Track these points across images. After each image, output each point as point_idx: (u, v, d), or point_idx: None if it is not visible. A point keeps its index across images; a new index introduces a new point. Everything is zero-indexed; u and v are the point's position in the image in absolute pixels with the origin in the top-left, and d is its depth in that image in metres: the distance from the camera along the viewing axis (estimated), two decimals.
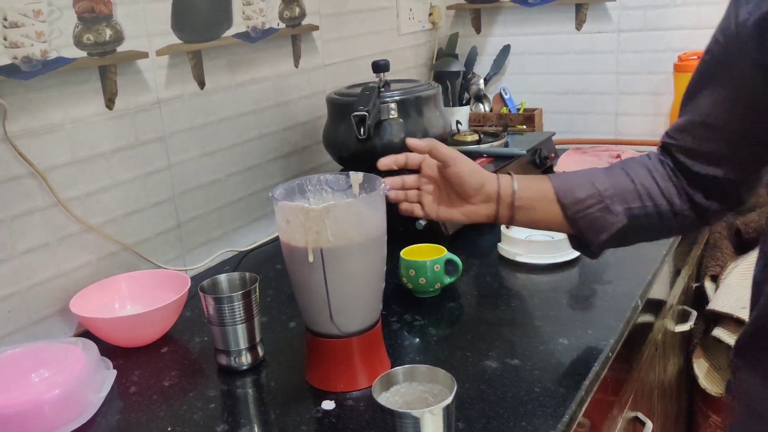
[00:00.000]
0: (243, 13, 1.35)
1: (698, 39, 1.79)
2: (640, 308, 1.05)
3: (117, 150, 1.14)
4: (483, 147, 1.65)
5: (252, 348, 0.94)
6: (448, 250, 1.12)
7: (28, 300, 1.04)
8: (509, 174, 0.93)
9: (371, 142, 1.29)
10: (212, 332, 0.94)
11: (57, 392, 0.83)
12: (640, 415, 1.22)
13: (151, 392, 0.92)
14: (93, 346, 0.93)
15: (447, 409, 0.66)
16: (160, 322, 1.03)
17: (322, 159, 1.57)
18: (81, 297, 1.06)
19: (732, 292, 1.55)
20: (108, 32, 1.10)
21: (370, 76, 1.39)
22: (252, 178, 1.42)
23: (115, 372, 0.95)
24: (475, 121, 1.98)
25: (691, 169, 0.86)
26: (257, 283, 0.94)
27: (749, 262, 1.61)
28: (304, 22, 1.51)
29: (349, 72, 1.66)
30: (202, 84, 1.29)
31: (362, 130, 1.24)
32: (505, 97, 2.05)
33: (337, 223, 0.79)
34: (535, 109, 2.01)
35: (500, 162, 1.54)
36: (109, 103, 1.12)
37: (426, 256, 1.09)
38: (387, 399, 0.70)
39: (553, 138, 1.78)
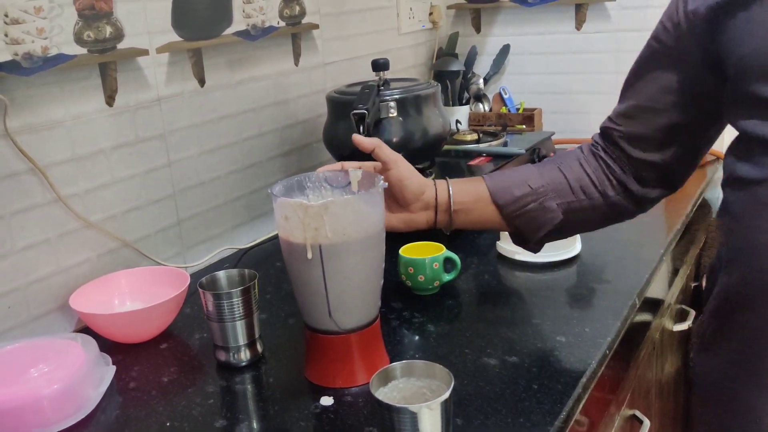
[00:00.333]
0: (243, 11, 1.35)
1: None
2: (637, 307, 1.06)
3: (117, 147, 1.15)
4: (482, 146, 1.65)
5: (251, 344, 0.95)
6: (447, 248, 1.12)
7: (28, 296, 1.04)
8: (444, 179, 0.94)
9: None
10: (211, 329, 0.94)
11: (56, 387, 0.84)
12: (638, 414, 1.22)
13: (150, 388, 0.92)
14: (92, 342, 0.94)
15: (445, 404, 0.66)
16: (159, 318, 1.04)
17: (322, 157, 1.58)
18: (81, 293, 1.06)
19: None
20: (108, 29, 1.11)
21: (370, 75, 1.39)
22: (252, 176, 1.42)
23: (114, 368, 0.95)
24: (475, 121, 1.99)
25: (631, 155, 0.88)
26: (256, 280, 0.94)
27: None
28: (304, 21, 1.51)
29: (348, 71, 1.66)
30: (202, 82, 1.29)
31: (362, 128, 1.24)
32: (505, 96, 2.06)
33: (335, 220, 0.80)
34: (534, 109, 2.01)
35: (499, 161, 1.55)
36: (110, 100, 1.13)
37: (425, 254, 1.09)
38: (385, 394, 0.70)
39: (553, 138, 1.79)
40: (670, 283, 1.42)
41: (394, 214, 0.93)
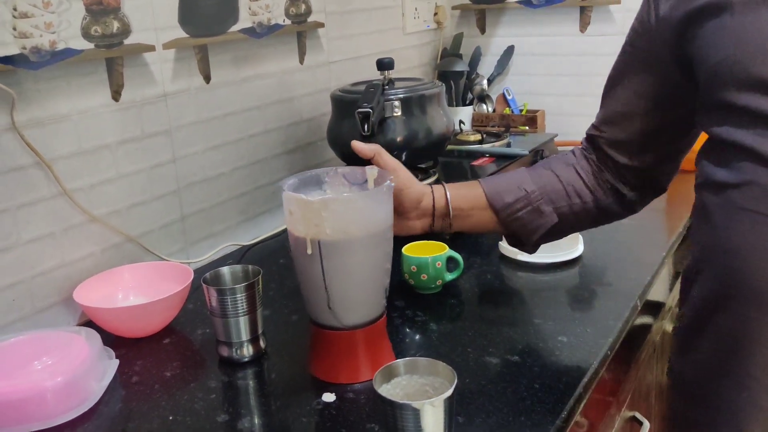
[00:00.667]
0: (249, 8, 1.36)
1: None
2: (639, 309, 1.06)
3: (123, 142, 1.15)
4: (485, 147, 1.65)
5: (254, 340, 0.95)
6: (450, 247, 1.12)
7: (33, 289, 1.04)
8: (441, 184, 0.95)
9: (375, 139, 1.29)
10: (214, 324, 0.95)
11: (59, 380, 0.84)
12: (638, 415, 1.23)
13: (153, 382, 0.92)
14: (96, 336, 0.94)
15: (447, 402, 0.66)
16: (162, 313, 1.04)
17: (326, 155, 1.58)
18: (85, 287, 1.07)
19: None
20: (115, 25, 1.11)
21: (375, 75, 1.40)
22: (256, 173, 1.43)
23: (117, 361, 0.95)
24: (478, 121, 1.99)
25: (616, 161, 0.90)
26: (260, 276, 0.94)
27: None
28: (309, 19, 1.52)
29: (353, 70, 1.67)
30: (207, 78, 1.29)
31: (366, 126, 1.25)
32: (508, 97, 2.06)
33: (335, 217, 0.79)
34: (537, 111, 2.01)
35: (502, 162, 1.55)
36: (116, 95, 1.13)
37: (428, 253, 1.10)
38: (388, 391, 0.70)
39: (556, 140, 1.79)
40: (671, 286, 1.43)
41: None
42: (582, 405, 0.84)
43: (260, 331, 0.96)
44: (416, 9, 1.92)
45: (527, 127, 1.95)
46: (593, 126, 0.93)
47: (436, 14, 2.02)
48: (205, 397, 0.88)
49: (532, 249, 0.98)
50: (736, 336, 0.71)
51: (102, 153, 1.12)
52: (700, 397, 0.78)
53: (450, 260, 1.11)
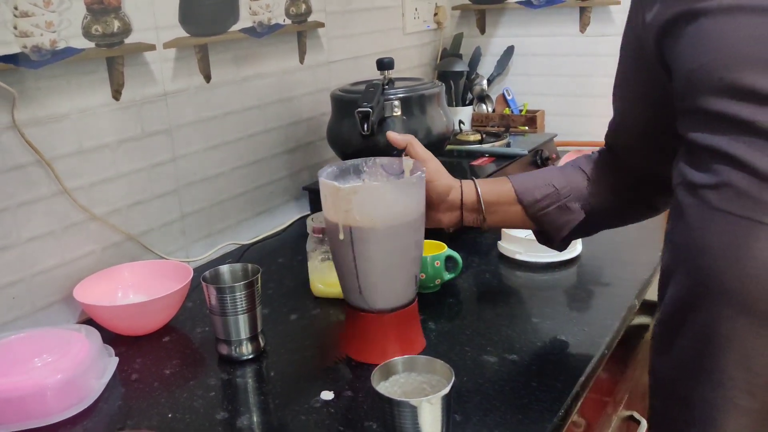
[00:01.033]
0: (249, 8, 1.36)
1: None
2: (636, 308, 1.06)
3: (123, 141, 1.15)
4: (485, 147, 1.66)
5: (253, 338, 0.95)
6: (449, 246, 1.13)
7: (33, 287, 1.05)
8: (472, 179, 0.97)
9: (374, 138, 1.29)
10: (214, 322, 0.95)
11: (59, 377, 0.85)
12: (636, 414, 1.23)
13: (152, 380, 0.93)
14: (96, 333, 0.94)
15: (445, 399, 0.67)
16: (162, 311, 1.04)
17: (326, 155, 1.58)
18: (84, 285, 1.07)
19: None
20: (116, 24, 1.11)
21: (375, 75, 1.40)
22: (256, 173, 1.43)
23: (117, 359, 0.96)
24: (478, 121, 2.00)
25: (632, 165, 0.92)
26: (259, 274, 0.95)
27: None
28: (309, 19, 1.52)
29: (353, 69, 1.67)
30: (208, 77, 1.30)
31: (366, 126, 1.25)
32: (508, 98, 2.06)
33: (364, 205, 0.83)
34: (537, 111, 2.02)
35: (502, 162, 1.55)
36: (116, 94, 1.13)
37: (426, 252, 1.10)
38: (386, 388, 0.71)
39: (555, 140, 1.79)
40: None
41: None
42: (579, 404, 0.85)
43: (259, 329, 0.96)
44: (416, 9, 1.93)
45: (527, 127, 1.96)
46: (608, 131, 0.95)
47: (436, 14, 2.02)
48: (205, 394, 0.88)
49: (560, 246, 1.00)
50: (709, 335, 0.72)
51: (102, 152, 1.13)
52: (677, 396, 0.79)
53: (449, 259, 1.12)
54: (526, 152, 1.60)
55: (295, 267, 1.26)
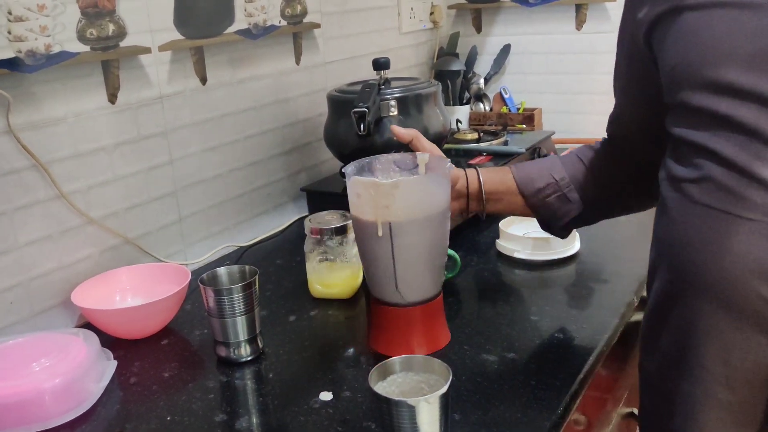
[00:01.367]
0: (245, 10, 1.36)
1: None
2: (635, 305, 1.06)
3: (119, 144, 1.15)
4: (483, 145, 1.66)
5: (252, 340, 0.95)
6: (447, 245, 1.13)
7: (31, 291, 1.05)
8: (474, 168, 1.00)
9: (371, 138, 1.29)
10: (212, 324, 0.95)
11: (58, 381, 0.84)
12: (635, 411, 1.23)
13: (151, 383, 0.93)
14: (94, 337, 0.94)
15: (443, 398, 0.67)
16: (160, 314, 1.04)
17: (323, 156, 1.58)
18: (83, 289, 1.07)
19: None
20: (111, 27, 1.11)
21: (371, 75, 1.40)
22: (253, 174, 1.43)
23: (115, 363, 0.96)
24: (475, 120, 1.99)
25: (632, 156, 0.94)
26: (257, 276, 0.95)
27: None
28: (305, 20, 1.52)
29: (349, 70, 1.67)
30: (204, 80, 1.30)
31: (362, 126, 1.25)
32: (505, 96, 2.06)
33: (404, 198, 0.84)
34: (534, 109, 2.02)
35: (499, 160, 1.55)
36: (112, 97, 1.13)
37: None
38: (384, 388, 0.71)
39: (553, 137, 1.79)
40: None
41: None
42: (578, 402, 0.85)
43: (258, 331, 0.96)
44: (412, 9, 1.92)
45: (524, 126, 1.95)
46: (609, 122, 0.97)
47: (432, 14, 2.02)
48: (203, 397, 0.88)
49: (561, 233, 1.02)
50: (690, 329, 0.73)
51: (98, 155, 1.12)
52: (661, 391, 0.80)
53: (447, 259, 1.11)
54: (523, 150, 1.60)
55: (294, 268, 1.26)
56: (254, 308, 0.95)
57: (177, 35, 1.23)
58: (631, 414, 1.22)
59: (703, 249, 0.70)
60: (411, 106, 1.35)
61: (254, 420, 0.83)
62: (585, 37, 1.97)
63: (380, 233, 0.86)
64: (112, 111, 1.14)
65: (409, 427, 0.66)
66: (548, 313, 1.03)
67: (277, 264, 1.29)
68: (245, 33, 1.37)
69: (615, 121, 0.95)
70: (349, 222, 1.07)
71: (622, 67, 0.88)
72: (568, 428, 0.96)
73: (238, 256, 1.35)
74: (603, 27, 1.94)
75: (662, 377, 0.79)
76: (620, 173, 0.96)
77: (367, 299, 1.12)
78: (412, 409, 0.65)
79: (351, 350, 0.97)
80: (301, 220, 1.48)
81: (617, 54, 0.89)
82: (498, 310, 1.06)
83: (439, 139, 1.41)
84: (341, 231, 1.09)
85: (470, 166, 1.48)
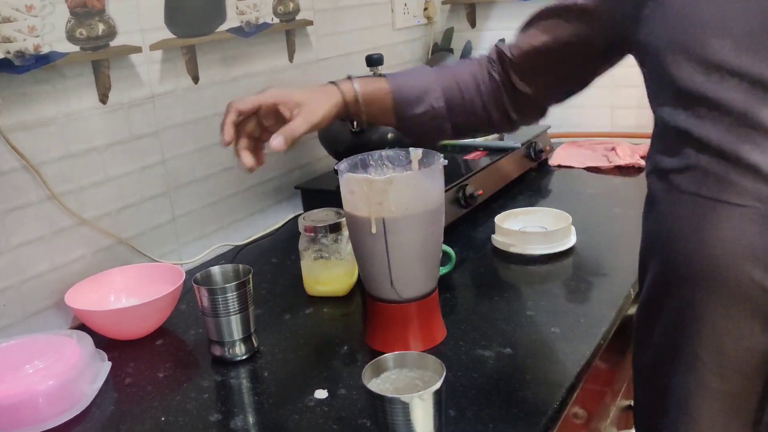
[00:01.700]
0: (237, 8, 1.35)
1: None
2: (632, 298, 1.06)
3: (111, 144, 1.15)
4: (478, 140, 1.65)
5: (246, 339, 0.95)
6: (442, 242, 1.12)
7: (23, 293, 1.04)
8: (350, 79, 0.94)
9: (365, 135, 1.29)
10: (206, 324, 0.94)
11: (51, 383, 0.84)
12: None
13: (145, 383, 0.92)
14: (88, 338, 0.94)
15: (436, 395, 0.66)
16: (154, 314, 1.04)
17: (317, 153, 1.58)
18: (76, 290, 1.06)
19: None
20: (101, 27, 1.11)
21: (365, 71, 1.39)
22: (246, 174, 1.42)
23: (110, 364, 0.95)
24: None
25: (516, 86, 0.93)
26: (251, 275, 0.94)
27: None
28: (298, 17, 1.51)
29: (343, 67, 1.66)
30: (196, 79, 1.29)
31: (355, 123, 1.25)
32: None
33: (398, 194, 0.84)
34: None
35: (495, 155, 1.55)
36: (103, 97, 1.13)
37: None
38: (377, 385, 0.70)
39: (549, 131, 1.79)
40: None
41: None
42: (575, 396, 0.84)
43: (252, 329, 0.96)
44: (406, 4, 1.92)
45: None
46: (508, 47, 0.94)
47: (426, 9, 2.01)
48: (198, 396, 0.88)
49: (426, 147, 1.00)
50: (683, 319, 0.73)
51: (90, 156, 1.12)
52: (654, 382, 0.79)
53: (442, 254, 1.11)
54: (519, 145, 1.60)
55: (289, 266, 1.25)
56: (248, 307, 0.94)
57: (168, 34, 1.22)
58: (630, 407, 1.22)
59: (692, 238, 0.70)
60: None
61: (249, 419, 0.83)
62: None
63: (374, 230, 0.86)
64: (103, 111, 1.13)
65: (403, 423, 0.66)
66: (544, 308, 1.03)
67: (272, 262, 1.29)
68: (237, 31, 1.36)
69: (522, 54, 0.92)
70: (344, 219, 1.06)
71: (568, 16, 0.86)
72: (569, 422, 0.96)
73: (233, 256, 1.34)
74: None
75: (656, 371, 0.78)
76: (492, 101, 0.95)
77: (362, 296, 1.12)
78: (405, 406, 0.65)
79: (346, 348, 0.96)
80: (296, 218, 1.48)
81: (567, 3, 0.86)
82: (494, 306, 1.05)
83: None
84: (335, 228, 1.09)
85: (464, 168, 1.47)
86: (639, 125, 1.93)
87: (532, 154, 1.65)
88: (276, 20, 1.45)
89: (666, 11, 0.71)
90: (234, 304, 0.92)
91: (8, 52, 0.98)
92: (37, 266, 1.05)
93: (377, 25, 1.81)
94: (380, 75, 0.98)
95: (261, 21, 1.41)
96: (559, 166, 1.74)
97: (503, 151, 1.58)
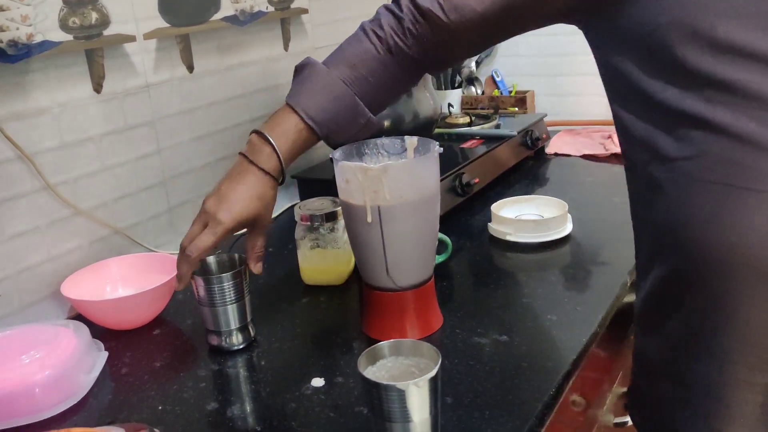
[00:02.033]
0: None
1: None
2: (629, 285, 1.06)
3: (106, 134, 1.14)
4: (475, 129, 1.65)
5: (243, 328, 0.95)
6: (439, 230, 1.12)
7: (19, 284, 1.04)
8: (273, 148, 0.92)
9: None
10: (203, 313, 0.94)
11: (48, 373, 0.84)
12: None
13: (142, 373, 0.92)
14: (84, 328, 0.94)
15: (432, 382, 0.66)
16: (151, 304, 1.04)
17: None
18: (72, 280, 1.06)
19: None
20: (94, 15, 1.10)
21: None
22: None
23: (106, 353, 0.95)
24: (467, 104, 1.98)
25: (438, 46, 0.86)
26: (246, 264, 0.94)
27: None
28: (293, 6, 1.51)
29: None
30: (190, 68, 1.28)
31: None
32: (497, 79, 2.05)
33: (393, 183, 0.84)
34: (527, 92, 2.00)
35: (491, 143, 1.54)
36: (97, 86, 1.12)
37: None
38: (373, 373, 0.70)
39: (545, 120, 1.78)
40: None
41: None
42: (571, 383, 0.84)
43: (249, 318, 0.96)
44: None
45: (516, 108, 1.94)
46: (439, 6, 0.83)
47: None
48: (195, 386, 0.88)
49: None
50: (706, 311, 0.70)
51: (85, 145, 1.11)
52: (668, 376, 0.78)
53: (438, 242, 1.11)
54: (515, 133, 1.60)
55: (285, 255, 1.25)
56: (245, 296, 0.94)
57: (162, 23, 1.22)
58: (627, 394, 1.22)
59: (709, 227, 0.67)
60: None
61: (246, 407, 0.83)
62: None
63: (369, 219, 0.86)
64: (98, 100, 1.12)
65: (399, 410, 0.66)
66: (541, 296, 1.03)
67: (269, 252, 1.28)
68: (232, 20, 1.35)
69: (459, 14, 0.83)
70: (340, 208, 1.06)
71: None
72: (567, 409, 0.96)
73: (229, 246, 1.34)
74: None
75: (670, 362, 0.76)
76: (401, 71, 0.90)
77: (359, 285, 1.11)
78: (401, 393, 0.65)
79: (343, 336, 0.96)
80: (293, 207, 1.47)
81: None
82: (490, 293, 1.05)
83: (429, 123, 1.40)
84: (331, 217, 1.09)
85: (461, 156, 1.46)
86: None
87: (529, 142, 1.64)
88: (271, 8, 1.45)
89: None
90: (230, 294, 0.92)
91: (1, 42, 0.98)
92: (33, 257, 1.05)
93: (372, 13, 1.79)
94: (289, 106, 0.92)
95: (256, 9, 1.41)
96: (556, 154, 1.73)
97: (500, 139, 1.57)
